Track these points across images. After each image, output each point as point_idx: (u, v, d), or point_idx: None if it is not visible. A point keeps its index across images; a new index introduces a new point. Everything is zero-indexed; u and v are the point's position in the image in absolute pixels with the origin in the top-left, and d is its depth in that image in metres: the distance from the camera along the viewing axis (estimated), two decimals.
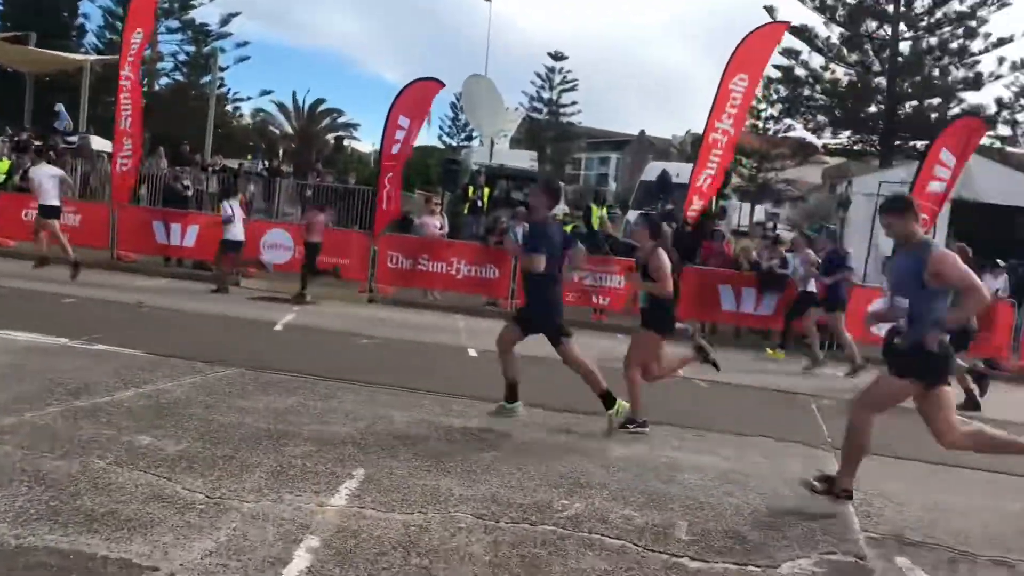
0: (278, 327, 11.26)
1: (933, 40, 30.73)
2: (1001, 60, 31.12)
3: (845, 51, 31.50)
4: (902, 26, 30.70)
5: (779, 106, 34.65)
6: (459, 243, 16.49)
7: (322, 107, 52.85)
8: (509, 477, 5.44)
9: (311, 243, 14.32)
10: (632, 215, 22.29)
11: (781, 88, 33.28)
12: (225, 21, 40.37)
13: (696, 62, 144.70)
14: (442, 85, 15.84)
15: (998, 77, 31.54)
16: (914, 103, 31.57)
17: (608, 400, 7.08)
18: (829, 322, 12.34)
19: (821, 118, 33.39)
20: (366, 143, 63.23)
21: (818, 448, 7.34)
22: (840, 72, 32.04)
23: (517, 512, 4.79)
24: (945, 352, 5.18)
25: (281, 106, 51.34)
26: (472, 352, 10.72)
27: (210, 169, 21.86)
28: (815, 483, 5.55)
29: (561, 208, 25.64)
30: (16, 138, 21.82)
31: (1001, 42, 29.92)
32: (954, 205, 16.65)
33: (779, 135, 37.88)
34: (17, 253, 15.46)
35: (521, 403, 7.22)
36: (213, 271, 14.83)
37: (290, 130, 51.87)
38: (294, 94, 52.91)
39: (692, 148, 26.85)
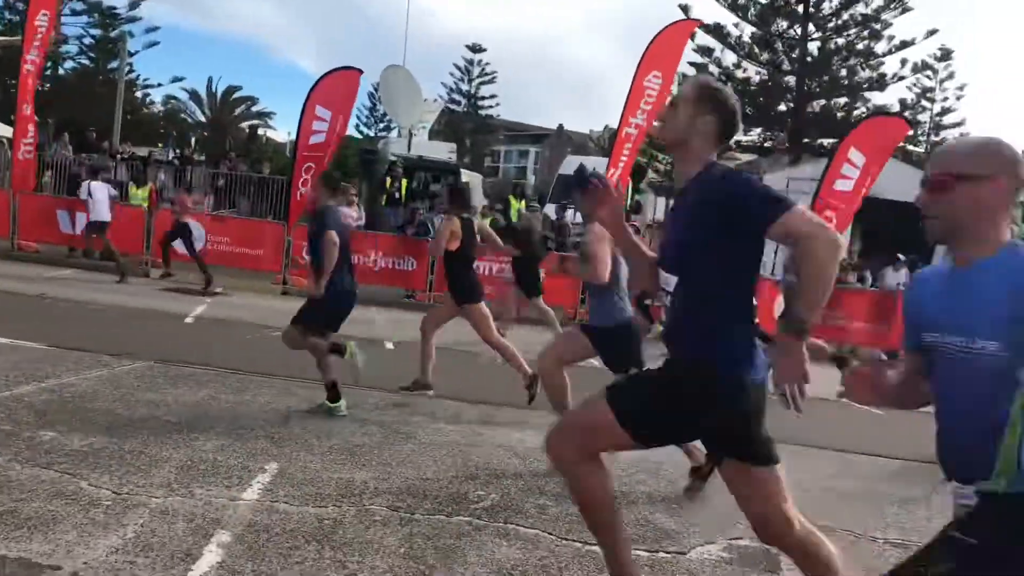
0: (188, 319, 11.01)
1: (840, 41, 31.76)
2: (904, 62, 32.41)
3: (756, 50, 32.28)
4: (811, 27, 31.62)
5: None
6: (376, 235, 16.36)
7: (236, 95, 51.77)
8: (425, 469, 5.45)
9: (180, 223, 14.27)
10: (550, 208, 22.48)
11: None
12: (134, 4, 39.10)
13: (614, 58, 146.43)
14: (360, 72, 15.66)
15: (901, 78, 32.82)
16: (822, 102, 32.57)
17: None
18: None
19: None
20: (282, 132, 62.12)
21: None
22: (752, 70, 32.84)
23: (432, 504, 4.80)
24: None
25: (193, 93, 50.10)
26: (389, 345, 10.68)
27: (118, 156, 21.21)
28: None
29: (480, 201, 25.68)
30: None
31: (904, 44, 31.11)
32: (864, 202, 17.25)
33: None
34: None
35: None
36: (116, 262, 14.43)
37: (202, 118, 50.65)
38: (209, 81, 51.72)
39: (609, 143, 27.19)
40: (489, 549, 4.25)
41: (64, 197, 16.94)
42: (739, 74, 32.92)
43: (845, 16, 31.18)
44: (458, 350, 10.73)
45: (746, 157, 46.71)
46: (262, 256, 15.08)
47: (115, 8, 38.97)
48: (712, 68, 32.84)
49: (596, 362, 6.26)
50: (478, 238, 7.85)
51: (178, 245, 14.93)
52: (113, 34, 38.66)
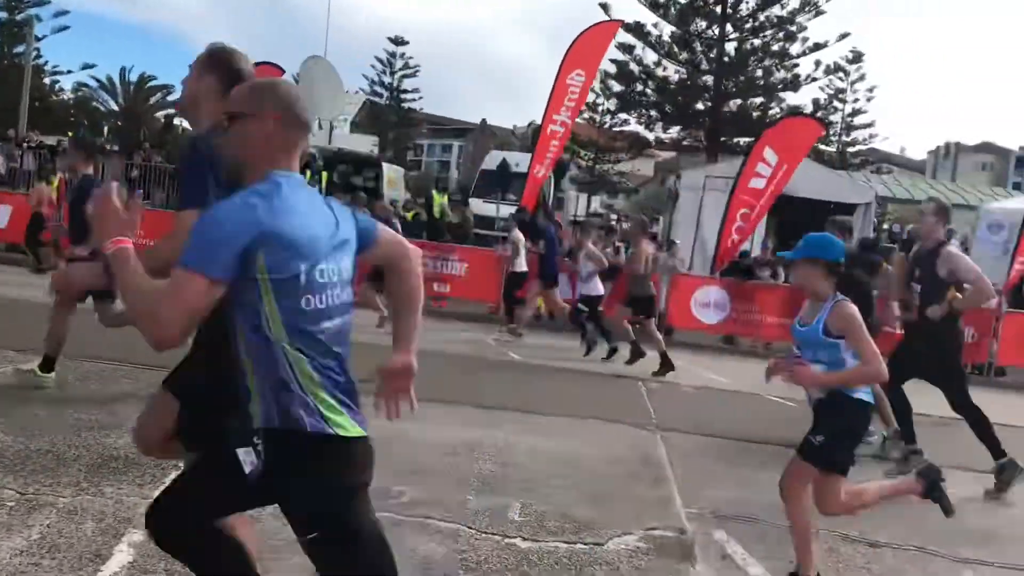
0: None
1: (757, 42, 32.52)
2: (817, 63, 33.36)
3: (676, 49, 32.81)
4: (729, 27, 32.28)
5: (615, 101, 35.74)
6: None
7: (151, 84, 50.37)
8: None
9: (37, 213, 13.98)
10: (473, 203, 22.48)
11: (616, 83, 34.33)
12: None
13: (538, 53, 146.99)
14: (281, 71, 15.41)
15: (814, 79, 33.77)
16: (738, 101, 33.29)
17: None
18: (543, 294, 12.85)
19: (653, 113, 34.67)
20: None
21: (646, 428, 7.67)
22: (671, 69, 33.38)
23: None
24: None
25: (107, 80, 48.55)
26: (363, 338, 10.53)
27: (25, 145, 20.43)
28: None
29: (402, 195, 25.55)
30: None
31: (817, 47, 32.04)
32: (778, 200, 17.69)
33: (615, 129, 39.17)
34: None
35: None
36: (34, 254, 13.94)
37: (115, 107, 49.13)
38: (123, 69, 50.17)
39: (533, 139, 27.37)
40: (408, 544, 4.24)
41: None
42: (659, 72, 33.42)
43: (762, 18, 31.94)
44: (383, 346, 10.68)
45: (665, 154, 47.51)
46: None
47: None
48: (632, 66, 33.27)
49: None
50: None
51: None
52: (19, 17, 37.17)
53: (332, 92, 23.48)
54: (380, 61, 58.17)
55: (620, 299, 12.69)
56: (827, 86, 40.80)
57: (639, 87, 34.09)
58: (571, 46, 14.74)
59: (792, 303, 14.49)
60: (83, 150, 6.94)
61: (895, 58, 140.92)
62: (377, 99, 58.72)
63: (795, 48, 32.29)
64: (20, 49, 36.09)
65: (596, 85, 31.97)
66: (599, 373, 10.63)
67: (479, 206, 21.92)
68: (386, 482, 5.15)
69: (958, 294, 6.70)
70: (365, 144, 28.74)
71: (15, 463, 4.66)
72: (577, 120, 21.51)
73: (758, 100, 33.33)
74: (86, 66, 58.59)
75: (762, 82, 32.74)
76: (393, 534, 4.31)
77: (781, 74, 32.76)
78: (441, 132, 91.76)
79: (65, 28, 42.42)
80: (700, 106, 33.56)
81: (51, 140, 24.19)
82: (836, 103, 42.49)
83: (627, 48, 32.71)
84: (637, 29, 32.10)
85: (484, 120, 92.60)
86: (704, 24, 32.48)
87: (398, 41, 57.87)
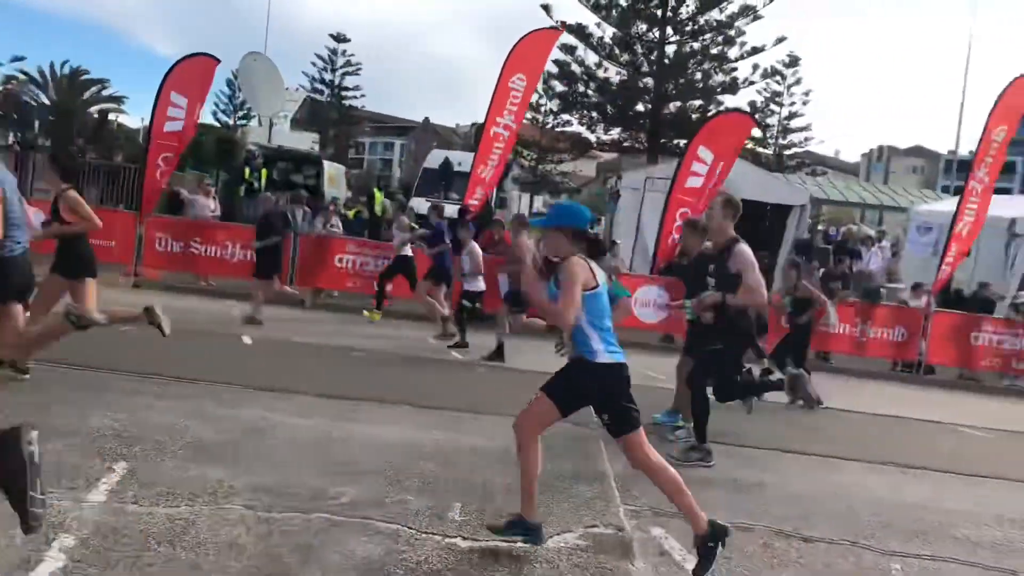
0: (28, 313, 10.39)
1: (696, 45, 32.93)
2: (755, 67, 33.95)
3: (617, 51, 33.06)
4: (669, 30, 32.65)
5: (557, 101, 35.90)
6: (234, 226, 15.88)
7: (84, 78, 49.15)
8: (282, 466, 5.36)
9: None
10: (416, 201, 22.40)
11: (559, 84, 34.49)
12: None
13: (481, 52, 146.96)
14: (217, 61, 15.16)
15: (752, 83, 34.36)
16: (678, 104, 33.69)
17: None
18: (431, 290, 12.89)
19: (594, 115, 34.91)
20: (135, 118, 59.32)
21: (586, 426, 7.71)
22: (612, 71, 33.63)
23: (290, 501, 4.73)
24: None
25: (40, 73, 47.23)
26: (247, 339, 10.40)
27: None
28: None
29: (343, 193, 25.32)
30: None
31: (755, 51, 32.58)
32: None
33: (557, 129, 39.36)
34: None
35: None
36: None
37: (47, 101, 47.83)
38: (53, 64, 48.87)
39: (475, 138, 27.34)
40: (348, 545, 4.22)
41: None
42: (600, 74, 33.65)
43: (701, 21, 32.37)
44: (322, 345, 10.59)
45: (607, 155, 47.85)
46: (112, 247, 14.38)
47: None
48: (574, 67, 33.45)
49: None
50: None
51: None
52: None
53: (272, 89, 23.21)
54: (321, 58, 57.65)
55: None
56: (764, 89, 41.64)
57: (581, 88, 34.30)
58: (512, 50, 14.77)
59: None
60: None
61: (830, 63, 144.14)
62: (318, 96, 58.15)
63: (733, 52, 32.82)
64: None
65: (538, 86, 32.08)
66: (542, 372, 10.63)
67: (421, 205, 21.85)
68: (325, 483, 5.12)
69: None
70: (306, 141, 28.51)
71: None
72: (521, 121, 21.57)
73: (697, 103, 33.77)
74: (16, 58, 57.07)
75: (701, 85, 33.19)
76: (332, 535, 4.30)
77: (720, 77, 33.25)
78: (383, 130, 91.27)
79: None
80: (641, 108, 33.88)
81: None
82: (773, 106, 43.39)
83: (569, 49, 32.89)
84: (579, 30, 32.28)
85: (427, 119, 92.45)
86: (645, 27, 32.79)
87: (340, 38, 57.39)
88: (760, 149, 40.10)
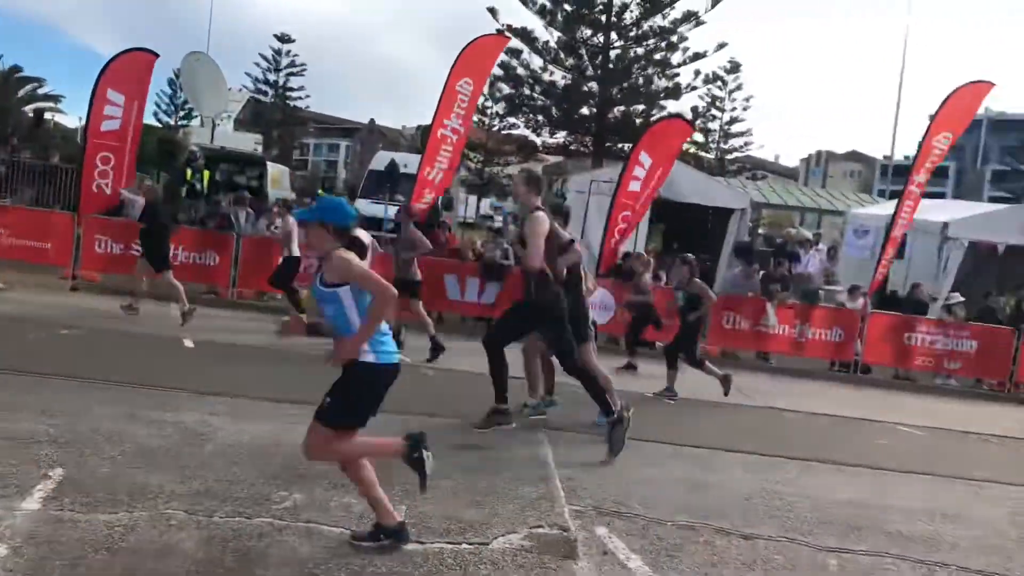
0: None
1: (640, 50, 33.25)
2: (697, 73, 34.37)
3: (562, 55, 33.24)
4: (613, 35, 32.92)
5: (503, 104, 35.97)
6: (175, 227, 15.58)
7: (19, 76, 47.86)
8: (225, 471, 5.30)
9: None
10: (361, 203, 22.27)
11: (505, 87, 34.56)
12: None
13: (427, 54, 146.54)
14: (156, 56, 14.87)
15: (694, 88, 34.80)
16: (622, 108, 33.99)
17: None
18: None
19: (540, 118, 35.06)
20: (72, 117, 57.87)
21: (532, 429, 7.76)
22: (557, 75, 33.79)
23: (233, 506, 4.69)
24: None
25: None
26: (188, 343, 10.24)
27: None
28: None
29: (287, 194, 25.05)
30: None
31: (697, 56, 33.01)
32: (660, 205, 18.18)
33: (503, 132, 39.45)
34: None
35: None
36: None
37: None
38: None
39: (422, 140, 27.28)
40: (291, 549, 4.20)
41: None
42: (546, 77, 33.80)
43: (645, 27, 32.69)
44: (264, 348, 10.47)
45: (553, 158, 48.09)
46: (49, 249, 14.02)
47: None
48: (520, 70, 33.55)
49: None
50: None
51: None
52: None
53: (215, 89, 22.88)
54: (265, 58, 57.01)
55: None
56: (706, 95, 42.23)
57: (526, 91, 34.42)
58: (460, 55, 14.78)
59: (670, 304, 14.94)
60: None
61: (771, 69, 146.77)
62: (262, 97, 57.50)
63: (676, 57, 33.22)
64: None
65: (484, 89, 32.13)
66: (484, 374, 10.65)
67: (367, 206, 21.73)
68: (268, 488, 5.08)
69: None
70: (249, 142, 28.12)
71: None
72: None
73: (641, 107, 34.10)
74: None
75: (645, 90, 33.53)
76: (274, 540, 4.27)
77: (663, 82, 33.62)
78: (328, 131, 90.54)
79: None
80: (586, 111, 34.11)
81: None
82: (715, 111, 44.04)
83: (515, 52, 32.98)
84: (524, 34, 32.39)
85: (372, 120, 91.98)
86: (589, 31, 33.01)
87: (284, 39, 56.83)
88: (702, 153, 40.68)
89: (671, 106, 34.27)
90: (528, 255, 7.00)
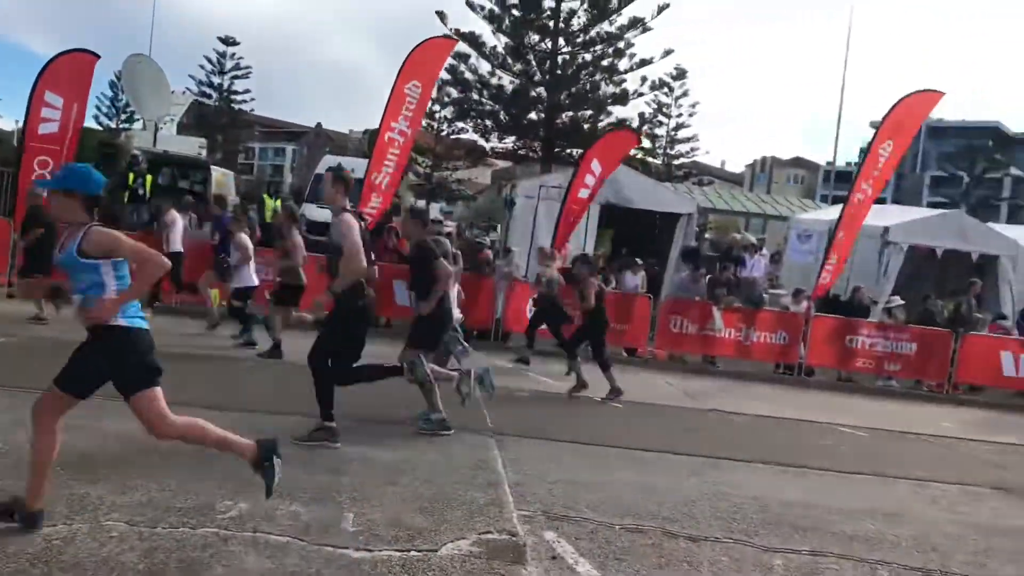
0: None
1: (587, 56, 33.44)
2: (644, 79, 34.67)
3: (510, 60, 33.29)
4: (561, 41, 33.06)
5: (451, 109, 35.90)
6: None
7: None
8: (168, 481, 5.20)
9: None
10: (308, 208, 22.06)
11: (453, 91, 34.50)
12: None
13: (375, 58, 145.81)
14: (96, 57, 14.55)
15: (641, 94, 35.09)
16: (570, 113, 34.13)
17: None
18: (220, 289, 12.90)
19: (488, 123, 35.06)
20: (9, 120, 56.47)
21: (481, 434, 7.76)
22: (506, 80, 33.81)
23: (176, 516, 4.60)
24: None
25: None
26: None
27: None
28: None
29: (232, 199, 24.72)
30: None
31: (644, 63, 33.27)
32: (610, 210, 18.33)
33: (452, 137, 39.40)
34: None
35: None
36: None
37: None
38: None
39: (369, 144, 27.04)
40: (237, 559, 4.14)
41: None
42: (494, 82, 33.82)
43: (592, 33, 32.87)
44: (216, 356, 10.32)
45: (502, 164, 48.12)
46: None
47: None
48: (468, 75, 33.53)
49: None
50: None
51: None
52: None
53: (157, 92, 22.52)
54: (210, 61, 56.21)
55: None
56: (653, 101, 42.60)
57: (475, 96, 34.40)
58: (408, 57, 14.74)
59: (619, 308, 15.06)
60: None
61: (716, 76, 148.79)
62: (206, 100, 56.69)
63: (623, 63, 33.43)
64: None
65: (433, 93, 32.04)
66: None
67: (313, 211, 21.52)
68: (212, 497, 5.00)
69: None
70: (192, 146, 27.64)
71: None
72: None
73: (589, 113, 34.28)
74: None
75: (592, 95, 33.71)
76: (219, 550, 4.20)
77: (610, 88, 33.82)
78: (274, 135, 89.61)
79: None
80: (534, 117, 34.17)
81: None
82: (661, 117, 44.46)
83: (463, 57, 32.95)
84: (472, 39, 32.38)
85: (319, 124, 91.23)
86: (537, 37, 33.10)
87: (229, 41, 56.08)
88: (650, 159, 41.01)
89: (619, 112, 34.54)
90: (352, 259, 6.60)
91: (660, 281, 17.73)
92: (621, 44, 32.79)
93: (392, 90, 14.64)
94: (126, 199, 18.54)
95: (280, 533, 4.55)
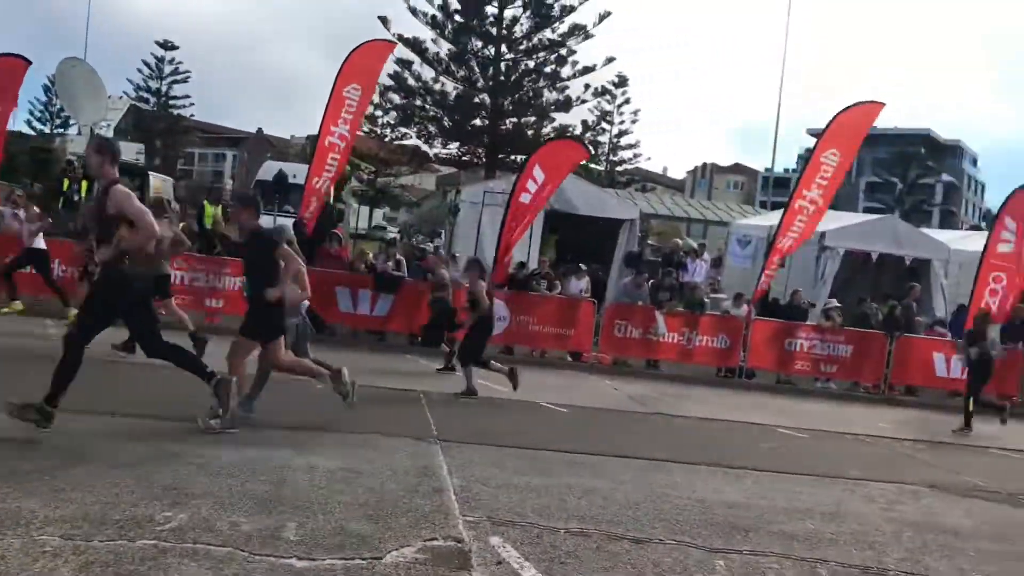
0: None
1: (530, 63, 33.63)
2: (587, 86, 34.95)
3: (453, 66, 33.32)
4: (504, 48, 33.20)
5: (395, 114, 35.77)
6: (52, 240, 14.88)
7: None
8: (104, 492, 5.08)
9: None
10: None
11: (396, 97, 34.39)
12: None
13: (316, 64, 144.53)
14: (27, 62, 14.23)
15: (584, 101, 35.38)
16: (514, 119, 34.27)
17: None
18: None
19: (432, 128, 35.02)
20: None
21: (426, 440, 7.73)
22: (449, 86, 33.84)
23: (113, 529, 4.49)
24: None
25: None
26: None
27: None
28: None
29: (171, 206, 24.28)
30: None
31: (586, 70, 33.58)
32: (554, 216, 18.41)
33: (395, 143, 39.24)
34: None
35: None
36: None
37: None
38: None
39: (310, 150, 26.77)
40: (176, 571, 4.06)
41: None
42: (437, 88, 33.81)
43: (535, 40, 33.09)
44: (145, 364, 10.09)
45: (446, 170, 48.07)
46: None
47: None
48: (411, 81, 33.45)
49: None
50: None
51: None
52: None
53: (93, 96, 22.02)
54: (148, 65, 55.24)
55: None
56: (596, 108, 42.98)
57: (418, 102, 34.34)
58: (346, 60, 14.68)
59: (565, 312, 15.15)
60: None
61: (658, 84, 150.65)
62: (144, 105, 55.67)
63: (566, 70, 33.72)
64: None
65: (375, 98, 31.87)
66: (384, 388, 10.56)
67: None
68: (151, 508, 4.90)
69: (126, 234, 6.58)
70: (131, 152, 27.12)
71: None
72: (357, 133, 21.38)
73: (533, 119, 34.45)
74: None
75: (536, 102, 33.90)
76: (158, 563, 4.12)
77: (553, 95, 34.07)
78: (215, 140, 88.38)
79: None
80: (478, 122, 34.26)
81: None
82: (604, 124, 44.88)
83: (406, 63, 32.90)
84: (415, 45, 32.33)
85: (260, 129, 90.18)
86: (480, 43, 33.21)
87: (167, 46, 55.19)
88: (593, 166, 41.33)
89: (562, 119, 34.79)
90: (144, 227, 6.39)
91: (604, 286, 17.87)
92: (564, 51, 33.08)
93: (331, 94, 14.56)
94: (60, 205, 18.12)
95: (221, 544, 4.47)
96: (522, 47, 33.13)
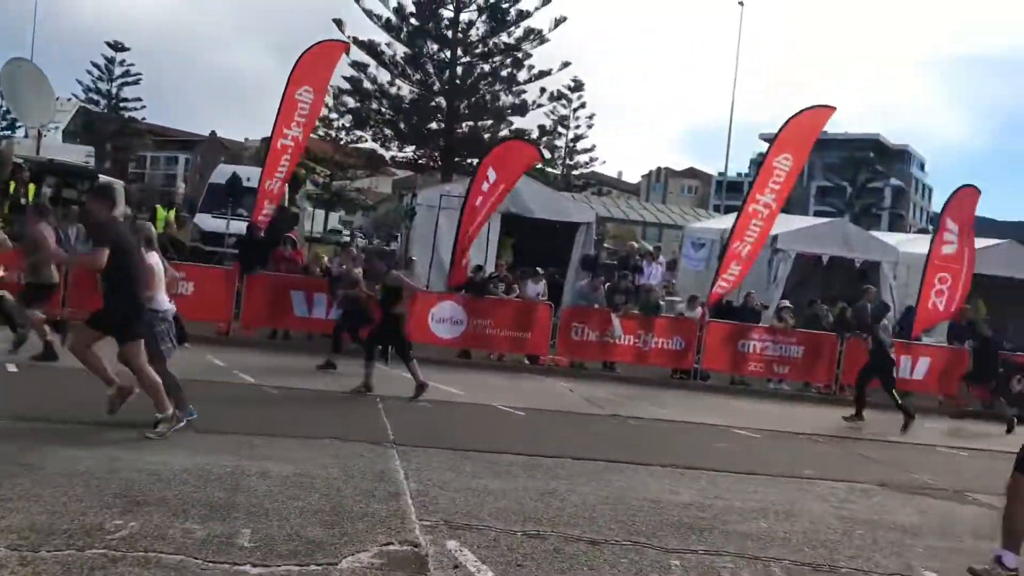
0: None
1: (486, 67, 33.62)
2: (542, 90, 35.01)
3: (409, 69, 33.20)
4: (459, 51, 33.16)
5: (350, 117, 35.54)
6: None
7: None
8: (52, 502, 4.98)
9: None
10: (201, 218, 21.52)
11: (351, 100, 34.17)
12: None
13: (270, 67, 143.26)
14: None
15: (540, 105, 35.43)
16: (470, 123, 34.23)
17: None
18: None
19: (388, 132, 34.86)
20: None
21: (382, 444, 7.69)
22: (405, 89, 33.69)
23: (62, 539, 4.41)
24: None
25: None
26: (11, 367, 9.59)
27: None
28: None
29: (121, 209, 23.89)
30: None
31: (542, 74, 33.64)
32: (511, 219, 18.42)
33: (351, 146, 39.00)
34: None
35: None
36: None
37: None
38: None
39: (264, 153, 26.45)
40: None
41: None
42: (393, 91, 33.65)
43: (490, 43, 33.07)
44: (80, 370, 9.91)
45: (402, 173, 47.89)
46: None
47: None
48: (366, 84, 33.27)
49: None
50: None
51: None
52: None
53: (40, 97, 21.63)
54: (97, 67, 54.31)
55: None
56: (552, 112, 43.09)
57: (373, 105, 34.15)
58: (298, 62, 14.57)
59: (521, 316, 15.17)
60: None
61: (613, 88, 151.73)
62: (93, 107, 54.71)
63: (522, 74, 33.72)
64: None
65: (329, 101, 31.65)
66: (337, 392, 10.51)
67: (207, 221, 21.00)
68: (101, 517, 4.82)
69: None
70: (80, 155, 26.57)
71: None
72: (312, 136, 21.24)
73: (489, 123, 34.43)
74: None
75: (492, 105, 33.89)
76: (110, 572, 4.06)
77: (509, 99, 34.06)
78: (167, 144, 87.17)
79: None
80: (434, 126, 34.16)
81: None
82: (560, 129, 44.99)
83: (361, 66, 32.70)
84: (370, 47, 32.17)
85: (213, 132, 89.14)
86: (436, 47, 33.13)
87: (118, 47, 54.31)
88: (549, 169, 41.47)
89: (518, 122, 34.78)
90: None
91: (561, 289, 17.93)
92: (519, 55, 33.07)
93: (283, 96, 14.45)
94: (7, 209, 17.72)
95: (174, 551, 4.41)
96: (478, 51, 33.10)
